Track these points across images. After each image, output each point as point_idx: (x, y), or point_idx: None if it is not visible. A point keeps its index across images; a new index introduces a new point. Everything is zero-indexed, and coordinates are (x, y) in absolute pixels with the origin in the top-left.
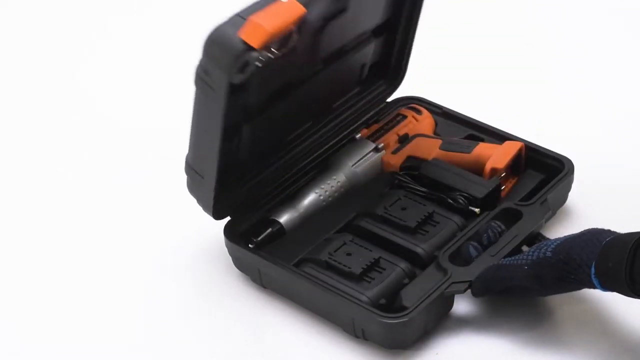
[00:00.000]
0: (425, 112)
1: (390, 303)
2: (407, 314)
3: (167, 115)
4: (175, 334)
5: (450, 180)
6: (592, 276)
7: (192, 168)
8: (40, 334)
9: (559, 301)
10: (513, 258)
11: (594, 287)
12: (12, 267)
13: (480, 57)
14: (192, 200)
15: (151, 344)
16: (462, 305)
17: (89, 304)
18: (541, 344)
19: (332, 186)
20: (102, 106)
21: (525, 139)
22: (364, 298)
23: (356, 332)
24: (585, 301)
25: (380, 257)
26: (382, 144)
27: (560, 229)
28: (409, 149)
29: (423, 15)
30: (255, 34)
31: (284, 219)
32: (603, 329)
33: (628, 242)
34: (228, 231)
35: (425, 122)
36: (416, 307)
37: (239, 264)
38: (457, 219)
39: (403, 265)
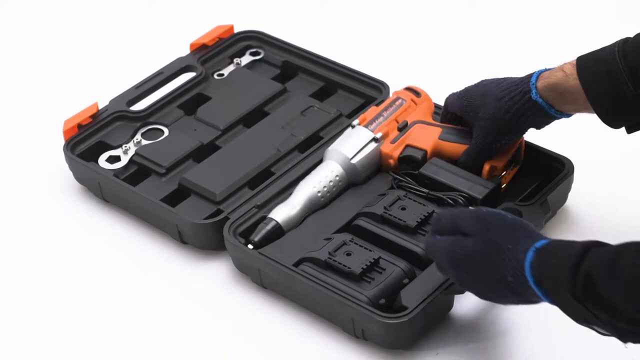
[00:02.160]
0: (424, 93)
1: (390, 303)
2: (407, 314)
3: None
4: (175, 334)
5: (450, 181)
6: (530, 249)
7: None
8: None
9: None
10: None
11: (519, 268)
12: None
13: (480, 57)
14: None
15: (151, 344)
16: (462, 306)
17: (84, 300)
18: (541, 344)
19: (330, 181)
20: None
21: (525, 139)
22: (363, 298)
23: (356, 332)
24: None
25: (380, 257)
26: (381, 134)
27: (560, 229)
28: (407, 138)
29: (423, 15)
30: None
31: (281, 217)
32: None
33: (575, 245)
34: (228, 231)
35: (424, 105)
36: (416, 307)
37: (239, 264)
38: None
39: (403, 265)
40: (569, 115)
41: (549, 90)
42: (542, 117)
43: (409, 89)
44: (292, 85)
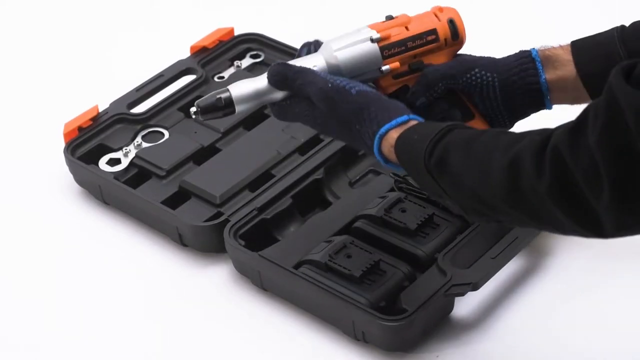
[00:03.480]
0: (462, 38)
1: (390, 305)
2: (407, 317)
3: None
4: (175, 337)
5: None
6: (376, 136)
7: None
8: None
9: (558, 304)
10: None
11: (370, 150)
12: None
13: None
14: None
15: (152, 347)
16: (462, 308)
17: (84, 303)
18: (540, 346)
19: None
20: None
21: None
22: (364, 300)
23: (356, 335)
24: (584, 304)
25: (380, 260)
26: (390, 67)
27: None
28: (410, 80)
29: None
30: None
31: (238, 93)
32: (602, 332)
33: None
34: (228, 234)
35: (454, 48)
36: (416, 309)
37: (240, 266)
38: (456, 221)
39: (403, 267)
40: (549, 105)
41: (544, 58)
42: (531, 79)
43: (452, 22)
44: None
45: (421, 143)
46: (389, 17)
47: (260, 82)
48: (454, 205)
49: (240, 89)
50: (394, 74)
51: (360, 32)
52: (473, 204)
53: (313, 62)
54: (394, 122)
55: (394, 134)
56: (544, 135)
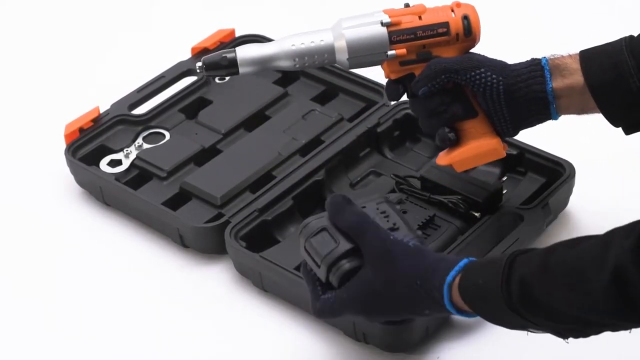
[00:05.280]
0: (476, 34)
1: None
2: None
3: None
4: (176, 338)
5: (451, 184)
6: (445, 285)
7: None
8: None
9: None
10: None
11: (436, 303)
12: None
13: None
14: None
15: (153, 348)
16: None
17: (85, 304)
18: (541, 348)
19: (310, 59)
20: None
21: (526, 142)
22: None
23: (357, 336)
24: None
25: None
26: (395, 53)
27: (562, 233)
28: (416, 68)
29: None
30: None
31: (243, 55)
32: (603, 334)
33: (499, 258)
34: (229, 235)
35: (465, 44)
36: None
37: (240, 267)
38: (457, 222)
39: None
40: (554, 114)
41: (553, 66)
42: (537, 87)
43: (466, 19)
44: (293, 89)
45: (492, 286)
46: (406, 5)
47: (268, 48)
48: (539, 331)
49: (247, 52)
50: (400, 60)
51: (373, 15)
52: (572, 326)
53: (320, 37)
54: (457, 268)
55: (456, 282)
56: (635, 235)
